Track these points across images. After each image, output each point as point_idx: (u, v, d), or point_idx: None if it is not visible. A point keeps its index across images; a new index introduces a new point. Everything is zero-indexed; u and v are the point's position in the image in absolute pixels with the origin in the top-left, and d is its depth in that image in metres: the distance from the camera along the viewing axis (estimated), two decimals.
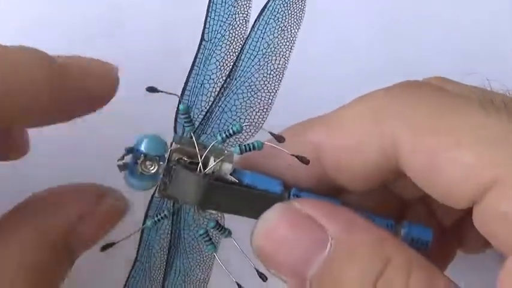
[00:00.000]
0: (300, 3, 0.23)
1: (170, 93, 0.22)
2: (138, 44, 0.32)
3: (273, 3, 0.23)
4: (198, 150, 0.22)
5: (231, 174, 0.22)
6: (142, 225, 0.23)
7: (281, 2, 0.23)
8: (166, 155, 0.22)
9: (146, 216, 0.23)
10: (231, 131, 0.22)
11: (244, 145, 0.22)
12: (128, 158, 0.23)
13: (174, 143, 0.22)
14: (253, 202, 0.22)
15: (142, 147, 0.22)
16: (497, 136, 0.18)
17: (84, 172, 0.27)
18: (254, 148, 0.22)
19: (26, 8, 0.33)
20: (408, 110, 0.20)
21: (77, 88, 0.22)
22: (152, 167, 0.23)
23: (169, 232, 0.24)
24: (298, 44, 0.24)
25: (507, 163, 0.18)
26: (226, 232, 0.23)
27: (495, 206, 0.18)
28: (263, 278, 0.22)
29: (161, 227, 0.24)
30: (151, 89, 0.22)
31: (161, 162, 0.22)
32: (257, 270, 0.22)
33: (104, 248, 0.23)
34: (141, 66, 0.31)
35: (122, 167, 0.23)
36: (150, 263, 0.24)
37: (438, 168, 0.19)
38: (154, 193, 0.23)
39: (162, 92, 0.23)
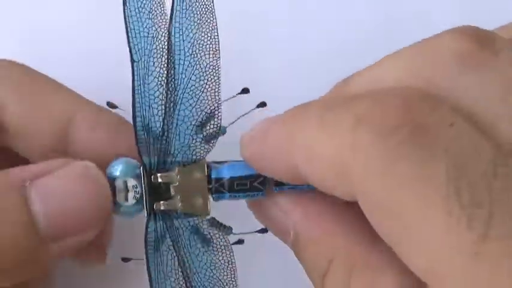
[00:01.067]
0: None
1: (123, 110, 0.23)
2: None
3: (178, 2, 0.22)
4: (170, 175, 0.23)
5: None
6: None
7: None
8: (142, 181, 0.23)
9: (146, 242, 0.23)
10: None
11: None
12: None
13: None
14: None
15: (117, 172, 0.23)
16: (451, 246, 0.16)
17: None
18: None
19: (25, 10, 0.34)
20: (369, 182, 0.18)
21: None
22: (133, 194, 0.23)
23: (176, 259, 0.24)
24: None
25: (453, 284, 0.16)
26: (226, 229, 0.24)
27: None
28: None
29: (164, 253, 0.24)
30: (111, 105, 0.23)
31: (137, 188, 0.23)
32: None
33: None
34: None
35: None
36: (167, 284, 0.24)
37: (394, 249, 0.18)
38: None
39: (119, 108, 0.24)
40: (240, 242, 0.25)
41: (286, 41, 0.34)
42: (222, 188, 0.23)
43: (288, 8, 0.35)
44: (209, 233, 0.24)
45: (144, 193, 0.23)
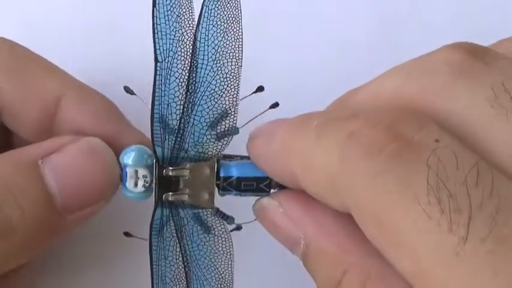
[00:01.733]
0: (233, 2, 0.23)
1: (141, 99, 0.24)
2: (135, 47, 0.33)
3: (206, 10, 0.23)
4: (181, 170, 0.24)
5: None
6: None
7: (214, 5, 0.23)
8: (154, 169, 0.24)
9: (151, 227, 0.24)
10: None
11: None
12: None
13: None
14: None
15: (129, 160, 0.24)
16: (434, 248, 0.17)
17: None
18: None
19: (24, 10, 0.33)
20: (358, 193, 0.19)
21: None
22: (142, 183, 0.24)
23: (179, 251, 0.25)
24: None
25: (438, 284, 0.17)
26: (229, 219, 0.25)
27: None
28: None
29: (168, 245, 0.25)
30: (128, 90, 0.24)
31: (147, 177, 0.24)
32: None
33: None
34: (139, 68, 0.31)
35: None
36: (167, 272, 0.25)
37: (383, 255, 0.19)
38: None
39: (135, 95, 0.24)
40: (238, 228, 0.26)
41: (299, 40, 0.34)
42: (229, 186, 0.24)
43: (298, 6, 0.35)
44: (211, 222, 0.25)
45: (154, 185, 0.24)
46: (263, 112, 0.25)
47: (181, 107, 0.24)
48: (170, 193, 0.24)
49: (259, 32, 0.34)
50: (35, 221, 0.23)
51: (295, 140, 0.22)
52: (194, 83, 0.24)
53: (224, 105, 0.24)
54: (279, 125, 0.23)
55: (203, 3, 0.23)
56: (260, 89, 0.25)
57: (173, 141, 0.24)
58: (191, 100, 0.24)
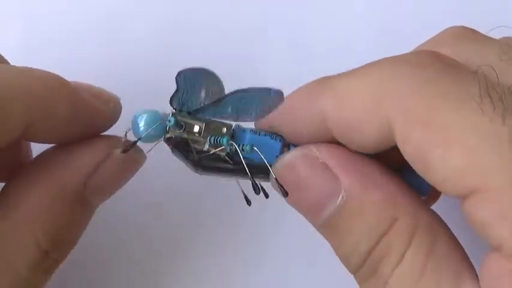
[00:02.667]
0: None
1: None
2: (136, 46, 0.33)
3: None
4: (195, 124, 0.23)
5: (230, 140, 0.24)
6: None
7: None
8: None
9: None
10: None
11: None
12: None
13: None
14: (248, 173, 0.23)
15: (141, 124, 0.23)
16: (487, 139, 0.18)
17: None
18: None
19: (25, 9, 0.34)
20: (407, 98, 0.20)
21: (87, 112, 0.24)
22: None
23: None
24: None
25: (492, 170, 0.18)
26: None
27: (477, 211, 0.19)
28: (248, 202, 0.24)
29: None
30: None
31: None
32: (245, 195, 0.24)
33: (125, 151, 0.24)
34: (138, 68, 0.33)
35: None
36: None
37: (427, 163, 0.19)
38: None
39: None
40: (266, 195, 0.24)
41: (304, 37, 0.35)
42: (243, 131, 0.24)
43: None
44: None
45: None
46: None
47: None
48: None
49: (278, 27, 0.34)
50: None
51: (325, 81, 0.22)
52: None
53: None
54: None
55: None
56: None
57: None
58: None
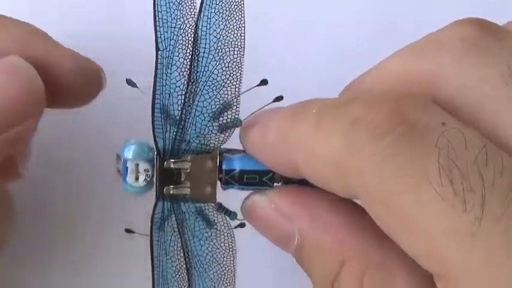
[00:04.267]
0: None
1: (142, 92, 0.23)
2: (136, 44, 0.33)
3: None
4: (182, 162, 0.24)
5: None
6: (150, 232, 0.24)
7: None
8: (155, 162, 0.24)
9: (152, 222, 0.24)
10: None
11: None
12: (120, 165, 0.24)
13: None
14: None
15: (129, 154, 0.24)
16: (447, 229, 0.17)
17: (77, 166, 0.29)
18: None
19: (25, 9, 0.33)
20: (367, 177, 0.19)
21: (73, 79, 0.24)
22: (144, 177, 0.24)
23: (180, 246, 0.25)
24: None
25: (450, 260, 0.17)
26: (231, 214, 0.25)
27: None
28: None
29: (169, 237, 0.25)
30: (130, 83, 0.24)
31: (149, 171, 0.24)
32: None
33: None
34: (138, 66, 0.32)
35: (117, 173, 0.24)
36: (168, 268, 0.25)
37: (396, 240, 0.19)
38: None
39: (137, 87, 0.24)
40: (242, 225, 0.25)
41: (304, 33, 0.35)
42: (231, 180, 0.24)
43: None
44: (214, 217, 0.25)
45: (155, 179, 0.24)
46: (267, 105, 0.24)
47: (183, 97, 0.23)
48: (171, 186, 0.24)
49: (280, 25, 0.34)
50: None
51: (292, 129, 0.21)
52: (196, 72, 0.23)
53: (226, 96, 0.24)
54: (273, 115, 0.22)
55: None
56: (264, 82, 0.25)
57: (174, 133, 0.24)
58: (193, 90, 0.24)
